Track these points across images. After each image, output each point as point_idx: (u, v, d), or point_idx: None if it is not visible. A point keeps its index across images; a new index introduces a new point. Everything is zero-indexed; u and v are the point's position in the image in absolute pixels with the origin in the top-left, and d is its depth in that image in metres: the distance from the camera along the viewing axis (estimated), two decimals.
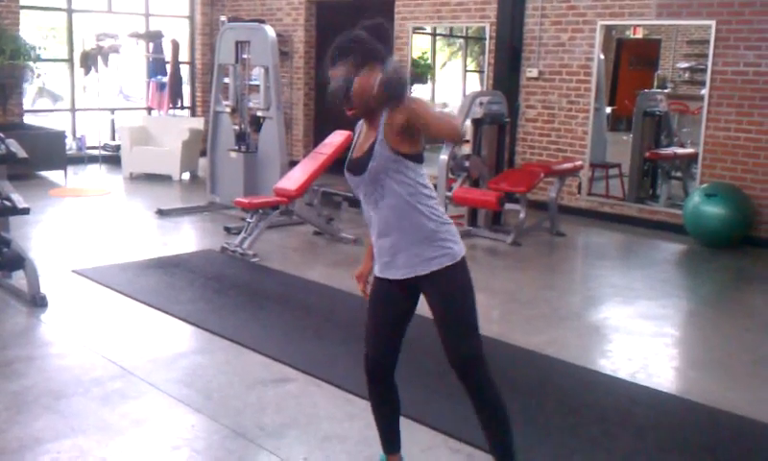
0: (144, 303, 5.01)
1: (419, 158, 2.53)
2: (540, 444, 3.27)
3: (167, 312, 4.84)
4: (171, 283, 5.47)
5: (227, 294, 5.31)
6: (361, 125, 2.67)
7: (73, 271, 5.64)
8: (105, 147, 10.95)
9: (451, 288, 2.57)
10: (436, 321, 2.60)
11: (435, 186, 7.26)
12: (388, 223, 2.56)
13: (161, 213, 7.77)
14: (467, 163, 7.39)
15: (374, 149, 2.50)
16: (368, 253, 2.81)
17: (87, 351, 4.18)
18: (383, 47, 2.49)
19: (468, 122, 7.57)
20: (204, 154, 9.27)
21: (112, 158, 10.75)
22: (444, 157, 7.29)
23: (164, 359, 4.12)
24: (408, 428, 3.18)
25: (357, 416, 3.44)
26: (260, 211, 6.50)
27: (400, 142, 2.46)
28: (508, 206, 7.18)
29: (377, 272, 2.68)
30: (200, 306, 5.01)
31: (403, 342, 2.73)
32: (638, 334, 4.82)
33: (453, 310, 2.57)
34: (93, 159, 10.80)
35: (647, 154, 8.63)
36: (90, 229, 7.21)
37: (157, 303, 5.01)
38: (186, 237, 7.21)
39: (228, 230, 7.08)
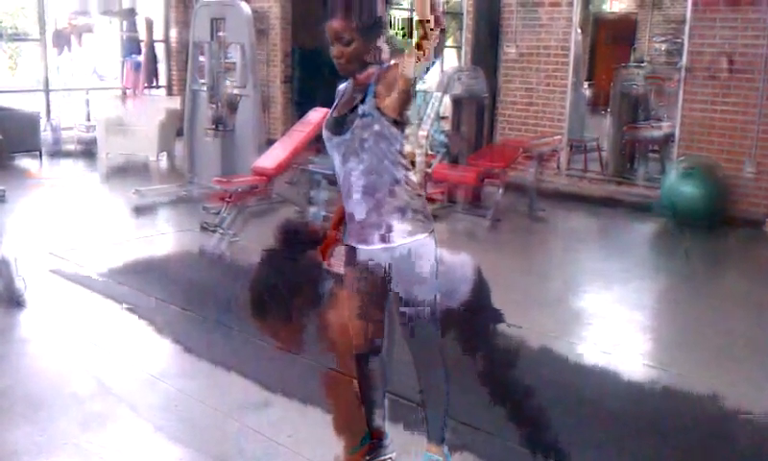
0: (122, 304, 4.87)
1: (402, 127, 2.54)
2: (513, 430, 3.27)
3: (144, 318, 4.68)
4: (149, 284, 5.25)
5: (206, 305, 4.97)
6: (344, 87, 2.66)
7: (51, 270, 5.44)
8: (80, 141, 10.67)
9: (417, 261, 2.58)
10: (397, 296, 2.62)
11: (413, 163, 7.32)
12: (365, 189, 2.55)
13: (138, 211, 7.47)
14: (446, 140, 7.38)
15: (360, 108, 2.49)
16: (335, 220, 2.81)
17: (65, 354, 4.10)
18: (385, 15, 2.52)
19: (448, 99, 7.55)
20: (180, 133, 9.16)
21: (89, 145, 10.50)
22: (423, 133, 7.27)
23: (144, 380, 3.97)
24: (391, 404, 3.15)
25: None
26: (237, 205, 6.29)
27: (389, 105, 2.46)
28: (486, 182, 7.17)
29: (349, 240, 2.67)
30: (178, 318, 4.79)
31: None
32: (614, 318, 4.85)
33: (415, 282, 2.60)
34: (68, 141, 10.58)
35: (624, 128, 8.67)
36: (67, 219, 7.00)
37: (136, 306, 4.84)
38: (164, 232, 6.97)
39: (205, 227, 6.63)
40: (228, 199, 6.30)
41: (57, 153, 10.20)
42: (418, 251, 2.55)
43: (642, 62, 11.68)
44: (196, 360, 4.25)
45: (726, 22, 7.10)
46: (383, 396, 2.89)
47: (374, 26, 2.47)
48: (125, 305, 4.89)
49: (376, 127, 2.47)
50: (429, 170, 7.16)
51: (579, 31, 8.71)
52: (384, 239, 2.55)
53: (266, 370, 4.05)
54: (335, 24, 2.46)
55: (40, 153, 9.55)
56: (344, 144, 2.53)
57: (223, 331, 4.62)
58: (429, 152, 7.35)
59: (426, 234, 2.57)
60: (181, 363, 4.28)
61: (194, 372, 4.14)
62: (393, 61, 2.47)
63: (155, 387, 3.94)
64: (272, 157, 6.79)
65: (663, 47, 11.47)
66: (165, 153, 10.12)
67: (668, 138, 8.07)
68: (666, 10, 12.58)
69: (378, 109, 2.46)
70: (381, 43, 2.50)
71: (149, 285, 5.29)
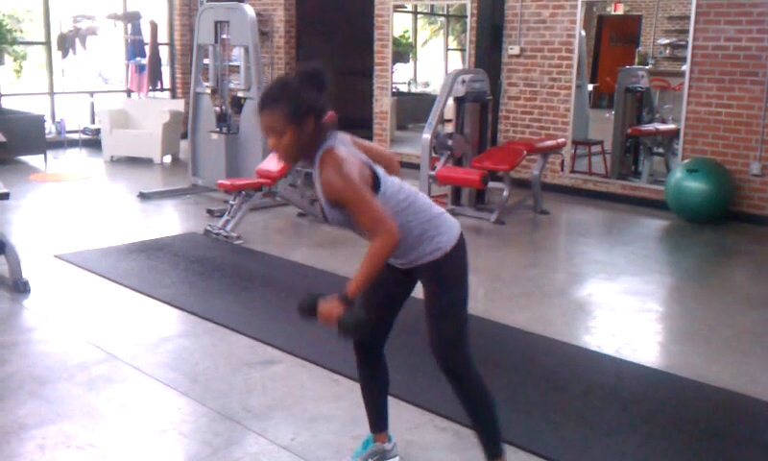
0: (127, 286, 4.99)
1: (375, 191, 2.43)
2: (526, 420, 3.30)
3: (151, 296, 4.81)
4: (154, 267, 5.44)
5: (210, 277, 5.29)
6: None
7: (55, 256, 5.59)
8: (84, 131, 10.87)
9: (442, 278, 2.54)
10: (425, 305, 2.58)
11: (418, 167, 7.33)
12: None
13: (143, 196, 7.72)
14: (450, 142, 7.38)
15: (321, 197, 2.44)
16: None
17: (71, 336, 4.16)
18: (317, 97, 2.39)
19: (451, 100, 7.56)
20: (185, 136, 9.20)
21: (92, 142, 10.68)
22: (426, 136, 7.27)
23: (149, 343, 4.10)
24: (395, 407, 3.19)
25: (344, 396, 3.45)
26: (243, 193, 6.47)
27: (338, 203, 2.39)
28: (491, 184, 7.19)
29: None
30: (184, 290, 5.00)
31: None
32: (622, 310, 4.86)
33: (440, 299, 2.56)
34: (73, 143, 10.72)
35: (629, 130, 8.67)
36: (72, 213, 7.15)
37: (141, 286, 4.98)
38: (169, 220, 7.16)
39: (210, 212, 7.04)
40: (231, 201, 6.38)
41: (61, 154, 10.25)
42: (442, 264, 2.52)
43: (647, 63, 11.67)
44: (200, 322, 4.44)
45: (730, 17, 7.09)
46: (385, 396, 2.86)
47: (305, 111, 2.37)
48: (128, 284, 5.04)
49: (342, 215, 2.42)
50: (433, 173, 7.15)
51: (583, 32, 8.69)
52: (408, 261, 2.55)
53: (272, 331, 4.19)
54: (263, 120, 2.40)
55: (45, 155, 9.60)
56: (335, 223, 2.50)
57: (227, 299, 4.84)
58: (433, 154, 7.35)
59: (446, 252, 2.51)
60: (186, 325, 4.43)
61: (198, 332, 4.31)
62: (327, 146, 2.40)
63: (160, 347, 4.08)
64: (276, 160, 6.79)
65: (668, 47, 11.46)
66: (169, 155, 10.16)
67: (672, 137, 8.06)
68: (671, 10, 12.57)
69: (331, 204, 2.41)
70: (317, 122, 2.40)
71: (154, 263, 5.44)
